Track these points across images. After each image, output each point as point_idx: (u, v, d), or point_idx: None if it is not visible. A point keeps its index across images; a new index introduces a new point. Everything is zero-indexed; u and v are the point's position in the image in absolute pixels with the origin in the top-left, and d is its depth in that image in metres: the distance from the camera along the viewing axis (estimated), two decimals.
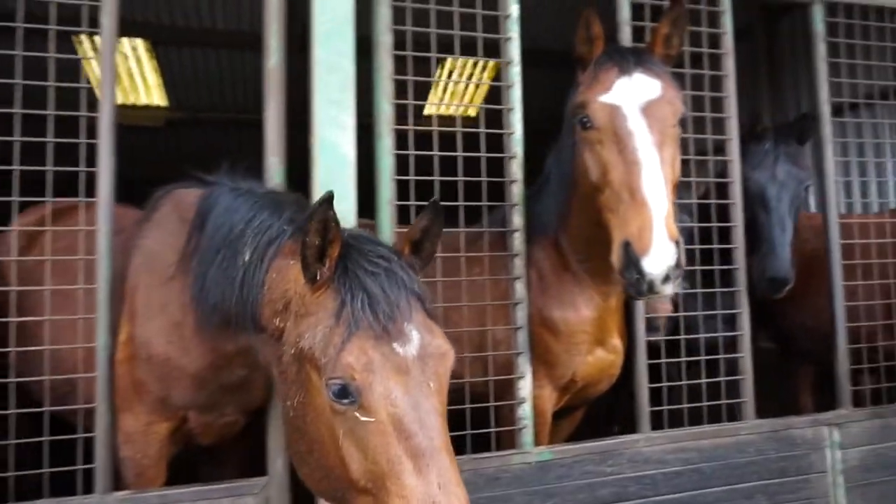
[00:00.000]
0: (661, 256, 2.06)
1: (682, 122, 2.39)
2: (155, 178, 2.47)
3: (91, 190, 2.21)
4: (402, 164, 2.46)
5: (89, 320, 2.16)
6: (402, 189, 2.46)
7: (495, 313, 2.69)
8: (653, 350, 2.82)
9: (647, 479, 2.69)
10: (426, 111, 9.03)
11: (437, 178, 2.50)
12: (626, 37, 2.82)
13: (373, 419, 1.45)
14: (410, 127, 2.48)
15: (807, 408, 4.20)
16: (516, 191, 2.65)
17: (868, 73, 3.48)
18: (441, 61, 7.92)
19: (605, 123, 2.32)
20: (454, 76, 8.74)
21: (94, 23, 2.22)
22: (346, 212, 2.26)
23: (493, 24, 2.70)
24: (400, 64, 2.49)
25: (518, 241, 2.63)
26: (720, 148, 3.08)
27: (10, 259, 2.46)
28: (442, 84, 8.78)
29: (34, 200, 2.35)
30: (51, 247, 2.33)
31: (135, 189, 2.59)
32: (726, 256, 3.01)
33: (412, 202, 2.45)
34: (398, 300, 1.55)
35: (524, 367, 2.59)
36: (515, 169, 2.65)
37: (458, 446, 1.60)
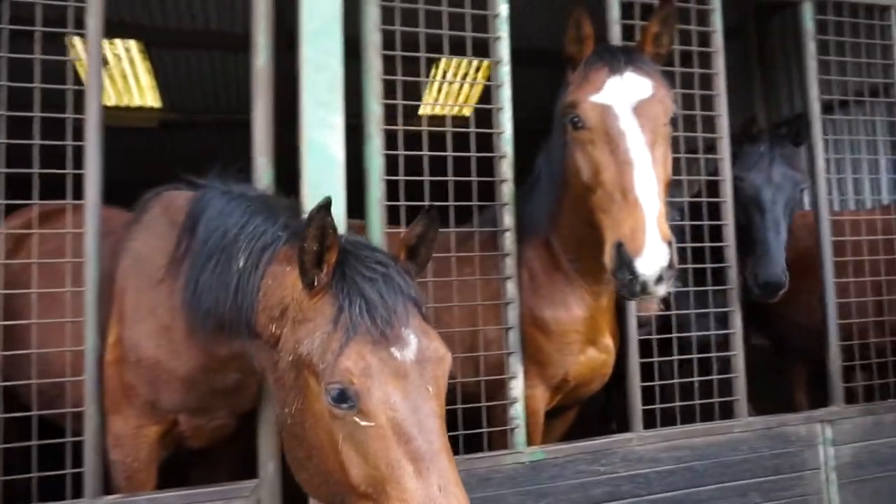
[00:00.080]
0: (654, 257, 2.05)
1: (674, 121, 2.39)
2: (149, 179, 2.46)
3: (79, 192, 2.19)
4: (392, 165, 2.46)
5: (78, 323, 2.14)
6: (392, 189, 2.45)
7: (486, 313, 2.68)
8: (645, 349, 2.82)
9: (641, 477, 2.69)
10: (421, 111, 9.03)
11: (426, 178, 2.49)
12: (615, 36, 2.82)
13: (372, 423, 1.46)
14: (400, 127, 2.47)
15: (801, 405, 4.22)
16: (507, 190, 2.64)
17: (861, 70, 3.49)
18: (435, 61, 7.91)
19: (596, 123, 2.31)
20: (448, 76, 8.74)
21: (81, 24, 2.21)
22: (336, 213, 2.24)
23: (483, 24, 2.69)
24: (391, 64, 2.48)
25: (509, 240, 2.62)
26: (712, 147, 3.08)
27: None
28: (436, 84, 8.78)
29: (21, 203, 2.34)
30: (39, 249, 2.31)
31: (129, 191, 2.57)
32: (718, 255, 3.02)
33: (402, 202, 2.45)
34: (395, 305, 1.56)
35: (516, 366, 2.59)
36: (505, 168, 2.65)
37: (451, 447, 1.61)
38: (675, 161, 2.54)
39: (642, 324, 2.84)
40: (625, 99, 2.30)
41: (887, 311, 3.44)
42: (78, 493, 2.09)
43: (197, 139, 9.39)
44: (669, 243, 2.09)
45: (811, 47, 3.24)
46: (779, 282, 3.13)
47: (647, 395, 2.78)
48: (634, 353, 2.78)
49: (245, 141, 2.33)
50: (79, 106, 2.19)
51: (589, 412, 3.48)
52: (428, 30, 2.54)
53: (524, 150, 2.92)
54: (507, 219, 2.64)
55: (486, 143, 2.65)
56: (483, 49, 2.74)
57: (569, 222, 2.65)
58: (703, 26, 3.01)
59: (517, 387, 2.58)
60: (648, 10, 2.80)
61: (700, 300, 3.13)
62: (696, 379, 2.89)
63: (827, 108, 3.72)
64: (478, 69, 8.45)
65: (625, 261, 2.10)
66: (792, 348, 4.34)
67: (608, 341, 2.85)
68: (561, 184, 2.60)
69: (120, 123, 9.11)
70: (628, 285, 2.12)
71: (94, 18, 2.16)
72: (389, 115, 2.47)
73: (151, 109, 9.09)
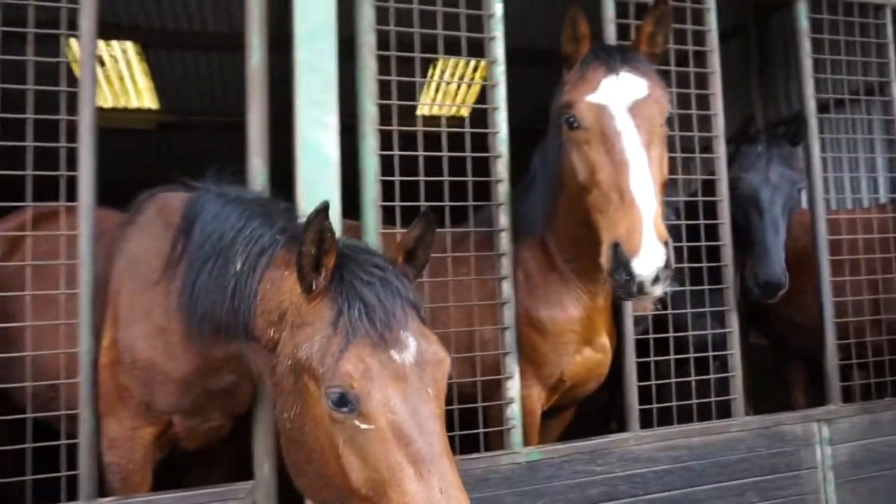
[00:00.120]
0: (650, 258, 2.05)
1: (670, 121, 2.38)
2: (147, 181, 2.45)
3: (73, 194, 2.19)
4: (390, 165, 2.45)
5: (72, 325, 2.14)
6: (387, 190, 2.45)
7: (483, 313, 2.68)
8: (643, 348, 2.82)
9: (638, 477, 2.69)
10: (419, 111, 9.03)
11: (422, 178, 2.49)
12: (610, 35, 2.82)
13: (372, 426, 1.46)
14: (395, 127, 2.47)
15: (799, 404, 4.21)
16: (502, 190, 2.64)
17: (857, 69, 3.48)
18: (433, 62, 7.91)
19: (592, 123, 2.31)
20: (446, 76, 8.74)
21: (75, 25, 2.21)
22: (331, 213, 2.25)
23: (478, 24, 2.69)
24: (386, 64, 2.48)
25: (504, 240, 2.62)
26: (708, 146, 3.08)
27: None
28: (434, 84, 8.78)
29: (14, 206, 2.33)
30: (34, 252, 2.31)
31: (127, 192, 2.56)
32: (715, 254, 3.01)
33: (397, 203, 2.44)
34: (394, 308, 1.57)
35: (512, 367, 2.59)
36: (501, 168, 2.65)
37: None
38: (672, 160, 2.54)
39: (637, 322, 2.84)
40: (620, 99, 2.30)
41: (884, 310, 3.44)
42: (73, 496, 2.08)
43: (194, 141, 9.38)
44: (666, 243, 2.09)
45: (806, 45, 3.24)
46: (779, 282, 3.12)
47: (646, 394, 2.78)
48: (631, 353, 2.78)
49: (243, 142, 2.33)
50: (73, 107, 2.18)
51: (586, 412, 3.47)
52: (423, 30, 2.54)
53: (525, 150, 2.92)
54: (503, 219, 2.63)
55: (485, 143, 2.64)
56: (479, 49, 2.74)
57: (564, 222, 2.65)
58: (698, 25, 3.00)
59: (513, 387, 2.58)
60: (644, 8, 2.80)
61: (697, 299, 3.12)
62: (692, 378, 2.89)
63: (824, 107, 3.72)
64: (475, 69, 8.45)
65: (621, 261, 2.09)
66: (790, 347, 4.33)
67: (604, 341, 2.85)
68: (557, 184, 2.60)
69: (117, 125, 9.10)
70: (625, 286, 2.12)
71: (88, 19, 2.15)
72: (386, 115, 2.47)
73: (149, 111, 9.08)
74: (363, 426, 1.46)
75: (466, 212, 2.81)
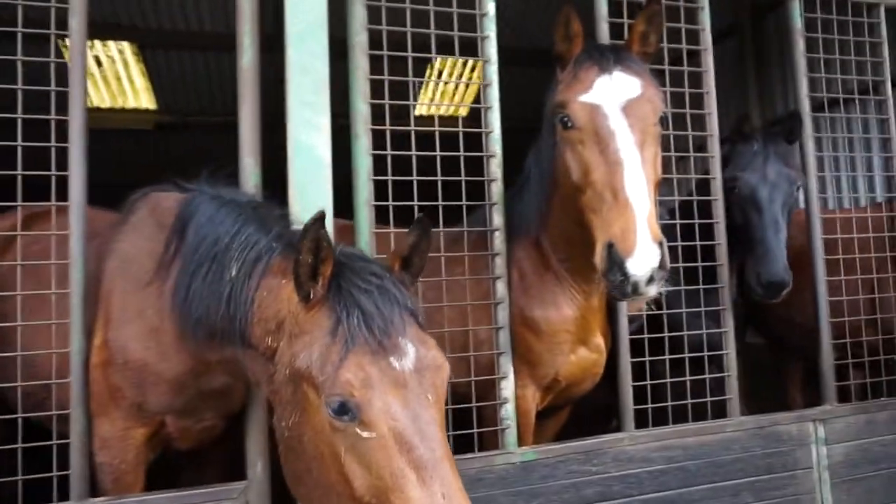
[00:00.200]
0: (644, 258, 2.05)
1: (663, 120, 2.38)
2: (145, 182, 2.44)
3: (64, 194, 2.18)
4: (385, 165, 2.45)
5: (64, 325, 2.13)
6: (382, 190, 2.44)
7: (477, 313, 2.68)
8: (639, 348, 2.81)
9: (633, 477, 2.68)
10: (417, 111, 9.02)
11: (415, 178, 2.48)
12: (604, 34, 2.81)
13: (374, 434, 1.47)
14: (387, 127, 2.46)
15: (797, 404, 4.21)
16: (496, 190, 2.64)
17: (853, 68, 3.48)
18: (430, 61, 7.91)
19: (585, 123, 2.31)
20: (444, 76, 8.73)
21: (65, 25, 2.20)
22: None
23: (471, 23, 2.68)
24: (380, 63, 2.47)
25: (498, 240, 2.62)
26: (703, 145, 3.08)
27: None
28: (431, 84, 8.77)
29: (5, 205, 2.32)
30: (28, 251, 2.30)
31: (125, 194, 2.56)
32: (710, 254, 3.01)
33: (390, 202, 2.44)
34: (392, 316, 1.58)
35: (506, 367, 2.58)
36: (494, 168, 2.64)
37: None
38: (666, 160, 2.54)
39: (631, 320, 2.84)
40: (614, 98, 2.30)
41: (880, 310, 3.43)
42: (64, 496, 2.08)
43: (192, 141, 9.38)
44: (660, 243, 2.08)
45: (800, 44, 3.24)
46: (782, 281, 3.09)
47: (641, 394, 2.77)
48: (625, 353, 2.77)
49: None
50: (64, 107, 2.18)
51: (582, 412, 3.46)
52: (415, 29, 2.53)
53: (525, 149, 2.91)
54: (497, 218, 2.63)
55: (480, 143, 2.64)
56: (472, 48, 2.74)
57: (559, 222, 2.64)
58: (692, 24, 3.00)
59: (508, 387, 2.58)
60: (638, 7, 2.80)
61: (693, 299, 3.12)
62: (688, 378, 2.89)
63: (819, 106, 3.72)
64: (473, 69, 8.45)
65: (615, 262, 2.09)
66: (789, 347, 4.33)
67: (599, 341, 2.85)
68: (551, 183, 2.60)
69: (115, 126, 9.10)
70: (619, 286, 2.12)
71: (77, 18, 2.15)
72: (380, 115, 2.46)
73: (146, 111, 9.08)
74: (364, 434, 1.47)
75: (461, 212, 2.81)
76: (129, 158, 9.27)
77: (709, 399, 2.91)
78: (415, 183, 2.49)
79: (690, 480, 2.76)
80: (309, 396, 1.56)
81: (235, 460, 2.44)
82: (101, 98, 8.73)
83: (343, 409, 1.48)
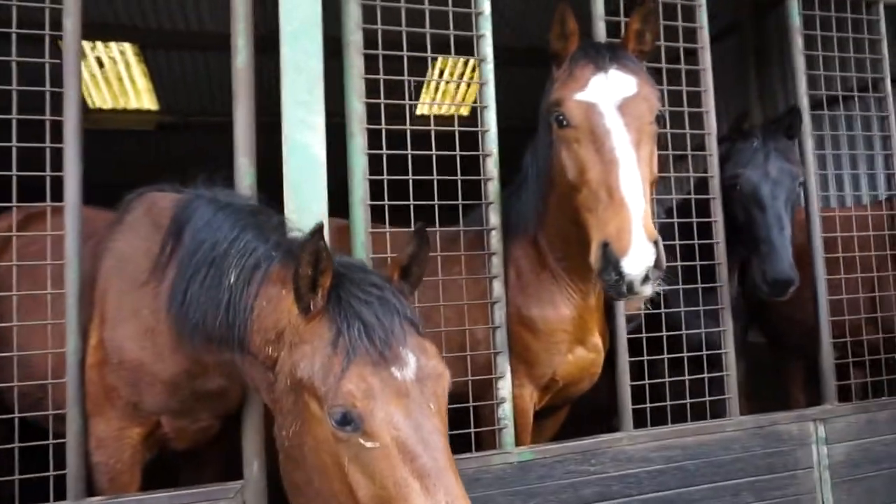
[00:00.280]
0: (640, 257, 2.04)
1: (659, 119, 2.37)
2: (146, 182, 2.44)
3: (59, 195, 2.18)
4: (382, 165, 2.44)
5: (60, 325, 2.13)
6: (378, 189, 2.44)
7: (474, 313, 2.67)
8: (636, 347, 2.80)
9: (631, 477, 2.67)
10: (418, 111, 9.02)
11: (410, 177, 2.48)
12: (600, 32, 2.80)
13: (377, 444, 1.48)
14: (383, 126, 2.46)
15: (798, 403, 4.18)
16: (492, 189, 2.63)
17: (853, 65, 3.46)
18: (432, 60, 7.90)
19: (581, 121, 2.30)
20: (445, 75, 8.73)
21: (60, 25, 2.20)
22: (319, 213, 2.24)
23: (467, 22, 2.68)
24: (375, 62, 2.46)
25: (495, 239, 2.61)
26: (701, 144, 3.06)
27: None
28: (432, 83, 8.77)
29: (1, 206, 2.33)
30: (25, 252, 2.30)
31: (127, 194, 2.56)
32: (709, 252, 2.99)
33: (386, 202, 2.43)
34: (392, 326, 1.59)
35: (504, 366, 2.57)
36: (491, 167, 2.64)
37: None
38: (664, 159, 2.52)
39: (629, 319, 2.82)
40: (609, 97, 2.29)
41: (880, 308, 3.41)
42: (61, 496, 2.08)
43: (194, 141, 9.39)
44: (656, 242, 2.07)
45: (799, 42, 3.22)
46: (788, 278, 3.04)
47: (640, 394, 2.76)
48: (623, 352, 2.76)
49: None
50: (59, 108, 2.18)
51: (580, 412, 3.45)
52: (409, 28, 2.53)
53: (523, 149, 2.90)
54: (494, 217, 2.62)
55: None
56: (468, 47, 2.73)
57: (555, 221, 2.63)
58: (689, 22, 2.99)
59: (505, 387, 2.57)
60: (634, 5, 2.78)
61: (692, 298, 3.10)
62: (686, 377, 2.87)
63: (819, 103, 3.69)
64: (473, 69, 8.44)
65: (611, 261, 2.08)
66: (790, 346, 4.31)
67: (597, 340, 2.83)
68: (547, 182, 2.59)
69: (117, 126, 9.12)
70: (615, 285, 2.11)
71: (72, 19, 2.15)
72: (376, 114, 2.46)
73: (148, 112, 9.10)
74: (368, 444, 1.48)
75: (457, 211, 2.80)
76: (130, 159, 9.29)
77: (707, 399, 2.90)
78: (410, 182, 2.48)
79: (689, 480, 2.75)
80: (310, 407, 1.57)
81: (232, 460, 2.44)
82: (102, 99, 8.76)
83: (346, 420, 1.49)
